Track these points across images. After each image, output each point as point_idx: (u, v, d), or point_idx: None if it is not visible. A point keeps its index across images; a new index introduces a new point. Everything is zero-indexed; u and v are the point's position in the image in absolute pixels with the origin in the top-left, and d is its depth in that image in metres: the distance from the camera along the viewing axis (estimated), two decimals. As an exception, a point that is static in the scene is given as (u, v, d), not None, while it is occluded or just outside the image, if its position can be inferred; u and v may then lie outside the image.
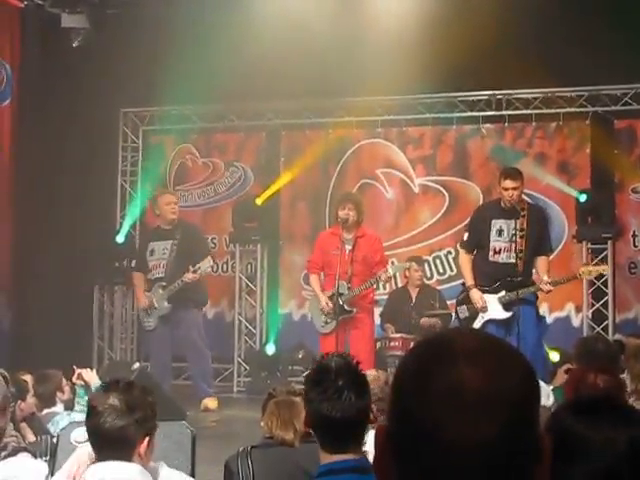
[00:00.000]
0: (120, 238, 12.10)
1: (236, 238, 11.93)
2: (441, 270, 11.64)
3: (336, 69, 10.56)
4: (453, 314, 10.36)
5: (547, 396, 5.07)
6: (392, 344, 9.59)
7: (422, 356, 1.28)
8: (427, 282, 10.99)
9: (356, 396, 2.98)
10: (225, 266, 12.39)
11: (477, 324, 8.22)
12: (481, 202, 11.02)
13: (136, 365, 9.01)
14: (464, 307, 8.42)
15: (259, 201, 11.86)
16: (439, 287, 11.09)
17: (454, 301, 10.87)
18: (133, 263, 11.02)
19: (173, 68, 10.24)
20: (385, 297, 10.66)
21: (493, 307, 8.16)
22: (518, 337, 7.80)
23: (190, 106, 12.06)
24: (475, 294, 8.25)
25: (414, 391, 1.24)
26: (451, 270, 11.56)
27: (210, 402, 9.93)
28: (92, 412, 3.22)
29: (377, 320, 9.90)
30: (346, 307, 8.69)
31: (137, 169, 12.72)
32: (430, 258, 11.59)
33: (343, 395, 2.96)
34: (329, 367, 3.04)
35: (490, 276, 8.19)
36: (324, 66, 10.45)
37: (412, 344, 1.39)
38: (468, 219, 10.91)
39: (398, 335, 9.75)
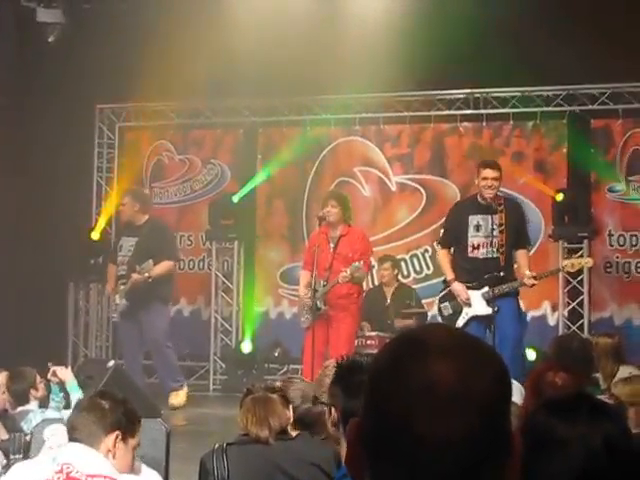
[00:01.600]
0: (95, 235, 12.03)
1: (212, 236, 11.89)
2: (418, 269, 11.63)
3: (314, 66, 10.50)
4: (429, 313, 10.41)
5: (520, 393, 5.06)
6: (368, 342, 9.55)
7: (395, 352, 1.28)
8: (403, 280, 10.97)
9: None
10: (201, 263, 12.35)
11: (461, 321, 8.17)
12: (458, 199, 11.06)
13: (111, 363, 8.95)
14: (447, 304, 8.35)
15: (236, 199, 11.83)
16: (416, 286, 11.09)
17: (430, 300, 10.94)
18: (100, 260, 10.99)
19: (150, 64, 10.18)
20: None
21: (476, 303, 8.11)
22: (499, 333, 7.82)
23: (167, 102, 12.02)
24: (457, 286, 8.19)
25: (387, 387, 1.25)
26: (428, 269, 11.56)
27: (173, 398, 9.77)
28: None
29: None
30: (318, 304, 8.69)
31: (113, 166, 12.66)
32: (407, 256, 11.58)
33: None
34: (360, 363, 3.04)
35: (471, 272, 8.13)
36: (301, 63, 10.40)
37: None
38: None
39: (374, 333, 9.73)
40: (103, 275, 11.95)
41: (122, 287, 9.83)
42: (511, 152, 11.36)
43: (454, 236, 8.36)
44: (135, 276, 9.55)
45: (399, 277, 10.78)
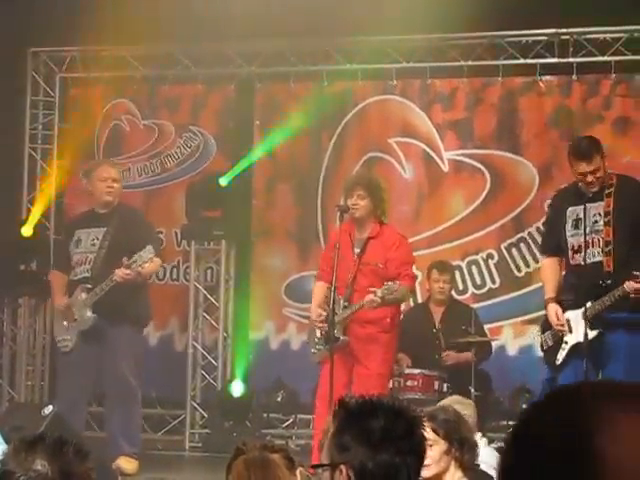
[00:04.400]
0: (27, 230, 11.96)
1: (191, 233, 11.95)
2: (479, 281, 11.68)
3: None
4: (494, 343, 10.30)
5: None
6: (408, 383, 9.59)
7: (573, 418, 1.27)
8: (458, 297, 10.88)
9: None
10: (175, 272, 12.41)
11: (561, 355, 8.16)
12: (537, 184, 11.22)
13: (48, 409, 8.90)
14: (548, 333, 8.36)
15: (224, 181, 11.83)
16: (475, 305, 11.09)
17: (496, 325, 10.84)
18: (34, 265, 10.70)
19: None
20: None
21: (578, 327, 8.07)
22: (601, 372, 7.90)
23: (128, 46, 12.04)
24: (550, 308, 8.22)
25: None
26: (492, 282, 11.63)
27: (126, 462, 9.54)
28: None
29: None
30: (335, 332, 8.52)
31: (52, 133, 12.72)
32: (463, 264, 11.63)
33: None
34: (372, 404, 3.15)
35: (574, 286, 8.15)
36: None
37: (526, 409, 1.23)
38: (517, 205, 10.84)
39: (417, 371, 9.74)
40: (38, 286, 11.86)
41: (84, 295, 9.60)
42: (613, 118, 11.35)
43: (555, 239, 8.42)
44: (122, 272, 9.26)
45: (452, 292, 10.69)
